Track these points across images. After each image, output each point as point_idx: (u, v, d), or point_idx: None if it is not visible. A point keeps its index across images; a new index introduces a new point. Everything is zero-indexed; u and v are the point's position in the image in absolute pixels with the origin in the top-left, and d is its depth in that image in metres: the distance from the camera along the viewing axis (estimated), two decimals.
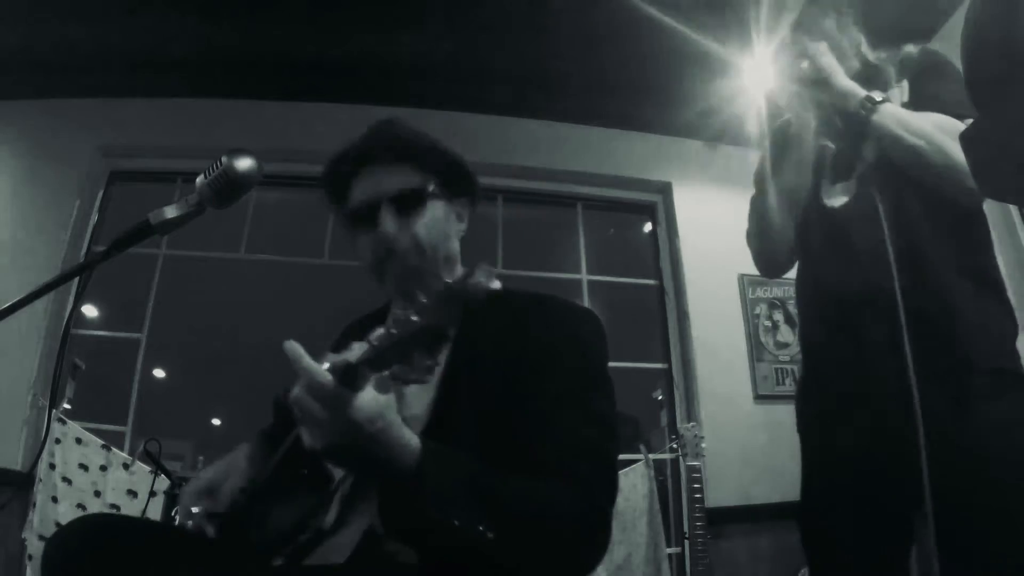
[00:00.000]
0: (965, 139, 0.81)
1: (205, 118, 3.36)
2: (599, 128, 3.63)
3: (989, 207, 2.78)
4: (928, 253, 1.24)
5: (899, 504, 1.21)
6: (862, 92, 1.28)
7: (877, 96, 1.27)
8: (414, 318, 0.69)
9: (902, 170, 1.25)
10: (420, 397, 1.00)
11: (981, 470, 1.12)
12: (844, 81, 1.31)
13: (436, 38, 3.15)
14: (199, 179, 0.98)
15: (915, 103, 1.32)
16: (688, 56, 2.94)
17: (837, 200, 1.38)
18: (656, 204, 3.72)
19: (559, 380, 0.97)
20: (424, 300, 0.69)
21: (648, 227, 3.77)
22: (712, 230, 3.35)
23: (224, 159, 0.96)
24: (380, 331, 0.72)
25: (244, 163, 0.97)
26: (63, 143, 3.25)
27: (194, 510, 0.99)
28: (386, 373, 0.74)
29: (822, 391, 1.37)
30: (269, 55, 3.26)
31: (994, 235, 2.82)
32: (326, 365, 0.75)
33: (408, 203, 1.08)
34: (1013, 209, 2.72)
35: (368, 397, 0.76)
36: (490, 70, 3.30)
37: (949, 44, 2.83)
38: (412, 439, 0.81)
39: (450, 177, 1.14)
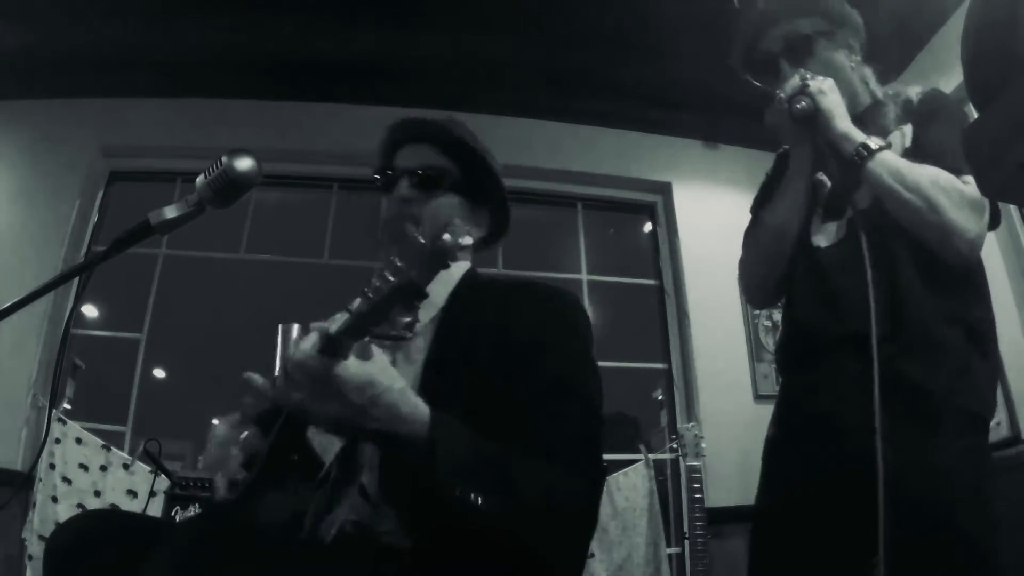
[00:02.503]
0: (965, 139, 0.81)
1: (205, 118, 3.36)
2: (599, 128, 3.63)
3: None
4: (911, 302, 1.22)
5: (855, 530, 1.19)
6: (859, 138, 1.23)
7: (874, 144, 1.22)
8: (390, 278, 0.71)
9: (894, 219, 1.23)
10: (405, 380, 1.01)
11: (936, 507, 1.11)
12: (843, 124, 1.26)
13: (437, 38, 3.15)
14: (199, 179, 0.98)
15: (916, 151, 1.28)
16: (690, 56, 2.94)
17: (825, 240, 1.36)
18: (656, 204, 3.72)
19: (546, 366, 0.98)
20: (399, 263, 0.71)
21: (648, 227, 3.77)
22: (712, 230, 3.34)
23: (224, 159, 0.97)
24: (358, 299, 0.73)
25: (244, 163, 0.97)
26: (63, 143, 3.25)
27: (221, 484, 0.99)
28: (367, 339, 0.76)
29: (791, 415, 1.36)
30: (269, 55, 3.26)
31: (994, 235, 2.82)
32: (306, 341, 0.77)
33: (426, 180, 1.15)
34: (1013, 209, 2.72)
35: (355, 365, 0.78)
36: (490, 71, 3.30)
37: (947, 47, 2.84)
38: (420, 406, 0.82)
39: (477, 181, 1.19)
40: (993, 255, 2.63)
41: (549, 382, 0.96)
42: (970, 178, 1.19)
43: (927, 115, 1.33)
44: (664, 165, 3.65)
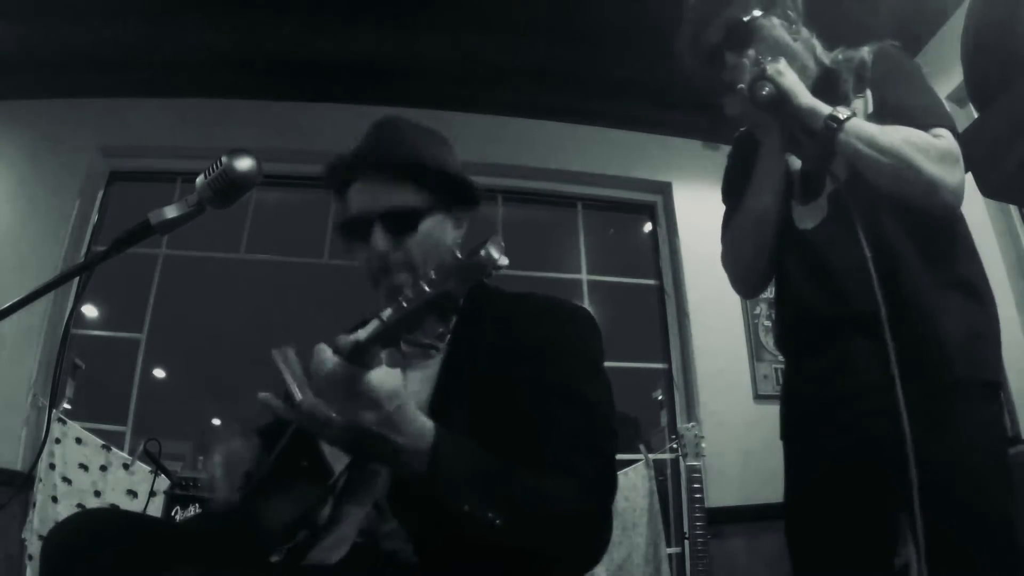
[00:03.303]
0: (965, 139, 0.82)
1: (205, 118, 3.36)
2: (599, 128, 3.63)
3: (988, 208, 2.77)
4: (909, 270, 1.22)
5: (884, 510, 1.21)
6: (826, 110, 1.22)
7: (842, 113, 1.21)
8: (426, 288, 0.71)
9: (875, 187, 1.23)
10: (418, 392, 1.01)
11: (965, 478, 1.13)
12: (807, 99, 1.24)
13: (437, 38, 3.15)
14: (199, 179, 0.98)
15: (880, 113, 1.28)
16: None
17: (809, 221, 1.35)
18: (656, 204, 3.72)
19: (556, 376, 0.98)
20: (434, 275, 0.70)
21: (648, 227, 3.77)
22: (712, 230, 3.31)
23: (224, 159, 0.96)
24: (389, 309, 0.73)
25: (244, 163, 0.97)
26: (63, 143, 3.25)
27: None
28: (396, 347, 0.75)
29: (806, 402, 1.35)
30: (269, 55, 3.26)
31: (994, 235, 2.81)
32: (328, 352, 0.76)
33: (401, 221, 1.05)
34: (1013, 209, 2.72)
35: (383, 373, 0.77)
36: (490, 70, 3.30)
37: (947, 46, 2.83)
38: (426, 423, 0.82)
39: (448, 191, 1.10)
40: (993, 255, 2.63)
41: (556, 395, 0.96)
42: (940, 131, 1.21)
43: (883, 76, 1.33)
44: (664, 165, 3.65)
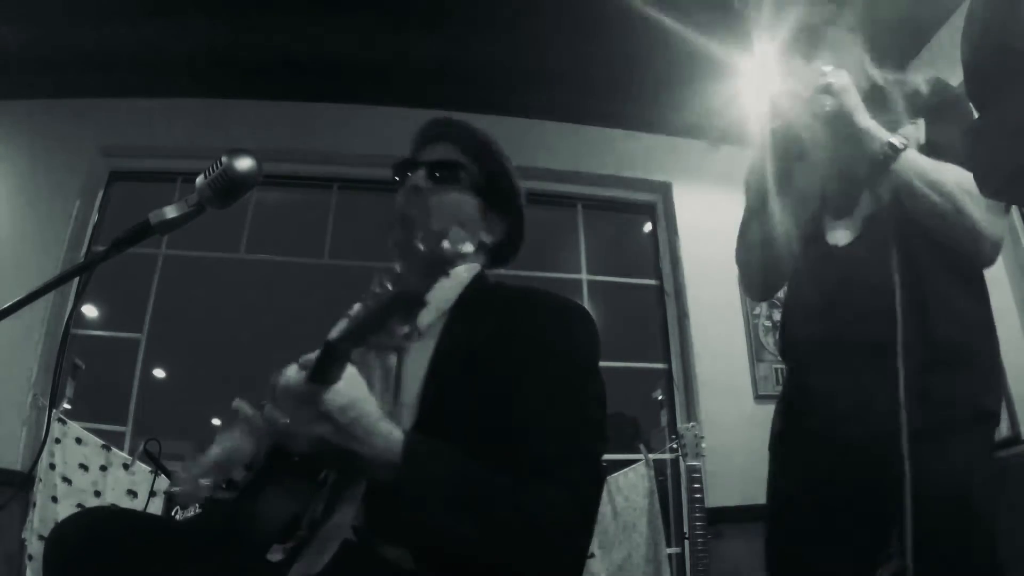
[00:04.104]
0: (969, 136, 0.81)
1: (205, 118, 3.36)
2: (599, 128, 3.63)
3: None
4: (934, 301, 1.22)
5: (873, 526, 1.22)
6: (884, 136, 1.20)
7: (898, 142, 1.19)
8: (389, 286, 0.72)
9: (915, 219, 1.21)
10: (410, 387, 1.00)
11: (957, 497, 1.14)
12: (866, 120, 1.22)
13: (435, 38, 3.15)
14: (199, 179, 0.98)
15: (932, 147, 1.26)
16: (688, 55, 2.94)
17: (840, 238, 1.34)
18: (656, 204, 3.73)
19: (548, 377, 0.97)
20: (399, 270, 0.72)
21: (648, 227, 3.77)
22: (712, 230, 3.34)
23: (224, 159, 0.96)
24: (357, 306, 0.74)
25: (244, 163, 0.97)
26: (63, 143, 3.25)
27: (203, 482, 0.99)
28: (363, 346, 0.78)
29: (806, 416, 1.35)
30: (270, 55, 3.26)
31: None
32: (294, 367, 0.81)
33: (440, 172, 1.14)
34: (1013, 209, 2.72)
35: (341, 387, 0.80)
36: (490, 70, 3.30)
37: (947, 46, 2.83)
38: (394, 432, 0.83)
39: (495, 186, 1.19)
40: None
41: (547, 393, 0.95)
42: None
43: (938, 110, 1.31)
44: (664, 165, 3.65)
